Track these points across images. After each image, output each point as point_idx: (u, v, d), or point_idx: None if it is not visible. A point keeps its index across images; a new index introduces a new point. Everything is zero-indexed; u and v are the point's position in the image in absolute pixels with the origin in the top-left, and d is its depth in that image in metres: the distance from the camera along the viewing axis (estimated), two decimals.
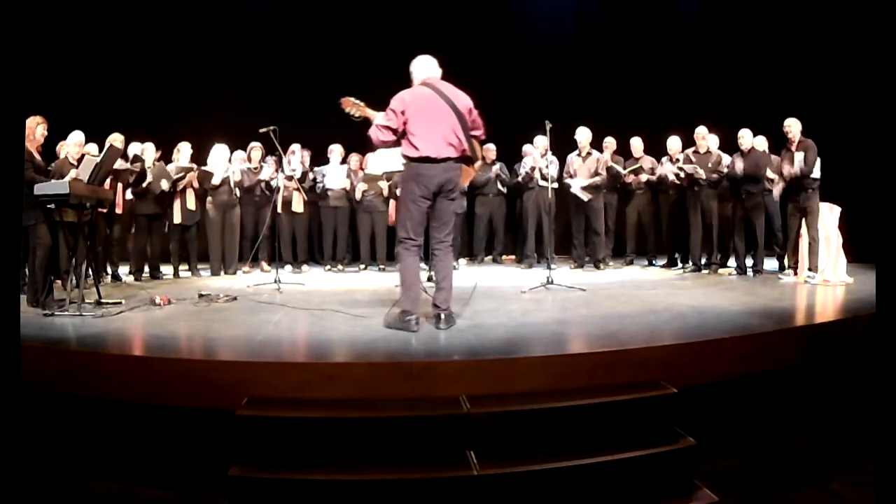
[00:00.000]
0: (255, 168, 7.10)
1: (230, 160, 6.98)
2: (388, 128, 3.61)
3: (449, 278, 3.76)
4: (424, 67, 3.80)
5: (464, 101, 3.72)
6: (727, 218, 6.54)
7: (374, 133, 3.65)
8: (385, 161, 6.62)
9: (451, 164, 3.63)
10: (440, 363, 3.00)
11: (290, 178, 6.98)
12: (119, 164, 5.67)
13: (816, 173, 5.88)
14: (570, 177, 7.22)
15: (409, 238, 3.69)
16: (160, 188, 6.32)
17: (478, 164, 3.97)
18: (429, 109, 3.61)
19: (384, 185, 7.24)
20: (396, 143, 3.73)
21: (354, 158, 7.43)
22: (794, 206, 6.01)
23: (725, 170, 6.39)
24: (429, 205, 3.68)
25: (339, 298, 5.01)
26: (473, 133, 3.82)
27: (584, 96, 8.93)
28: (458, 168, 3.71)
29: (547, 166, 6.55)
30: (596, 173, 7.17)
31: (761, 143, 6.48)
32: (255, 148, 7.12)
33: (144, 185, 6.24)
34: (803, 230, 5.91)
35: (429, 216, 3.76)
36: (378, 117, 3.70)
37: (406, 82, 3.85)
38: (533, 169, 7.23)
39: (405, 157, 3.70)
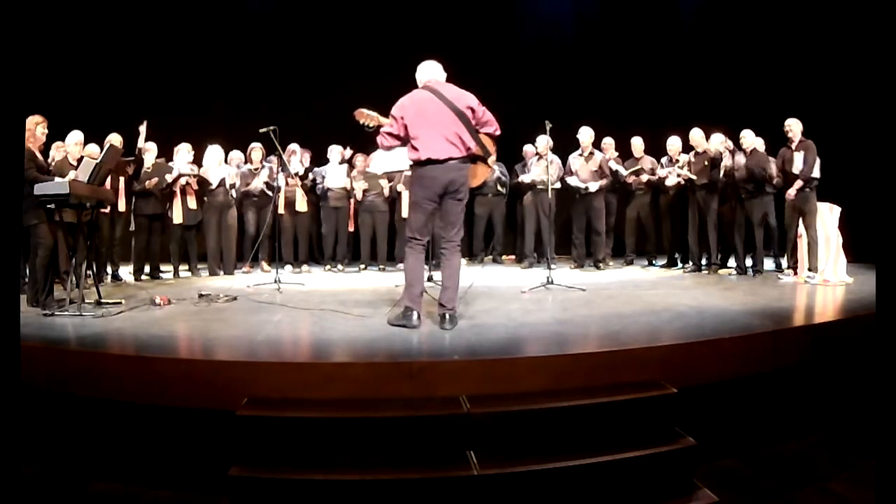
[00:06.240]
0: (256, 169, 7.10)
1: (227, 161, 6.99)
2: (391, 134, 3.71)
3: (454, 278, 3.76)
4: (427, 72, 3.83)
5: (465, 100, 3.72)
6: (727, 218, 6.54)
7: (380, 140, 3.79)
8: (386, 161, 6.62)
9: (454, 165, 3.64)
10: (440, 363, 3.00)
11: (294, 175, 6.98)
12: None
13: (815, 173, 5.89)
14: (571, 175, 7.22)
15: (414, 238, 3.75)
16: (164, 182, 6.35)
17: (491, 159, 3.95)
18: (428, 112, 3.63)
19: (385, 184, 7.24)
20: (403, 146, 3.78)
21: (360, 158, 7.43)
22: (792, 206, 6.03)
23: (723, 169, 6.40)
24: (434, 207, 3.71)
25: (339, 298, 5.01)
26: (484, 130, 3.81)
27: (584, 96, 8.92)
28: (465, 168, 3.71)
29: (551, 162, 6.53)
30: (602, 174, 7.17)
31: (759, 143, 6.50)
32: (256, 148, 7.11)
33: (147, 184, 6.25)
34: (802, 230, 5.91)
35: (436, 216, 3.80)
36: (387, 124, 3.77)
37: (407, 82, 3.86)
38: (531, 181, 7.29)
39: (410, 160, 3.74)
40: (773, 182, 6.13)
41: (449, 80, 3.86)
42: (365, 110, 3.90)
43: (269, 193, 6.92)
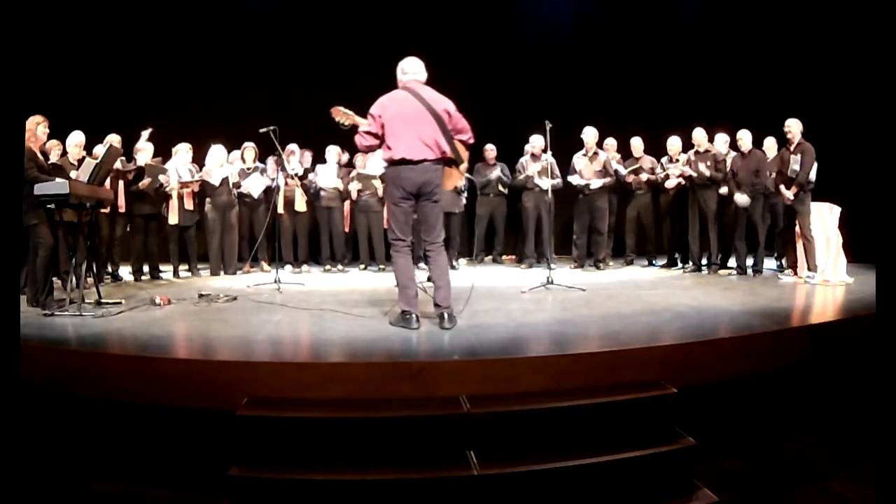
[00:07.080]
0: (249, 169, 7.11)
1: (229, 160, 6.99)
2: (369, 133, 3.73)
3: (445, 277, 3.79)
4: (408, 70, 3.82)
5: (442, 104, 3.74)
6: (727, 218, 6.54)
7: (358, 139, 3.80)
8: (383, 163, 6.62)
9: (428, 166, 3.66)
10: (440, 363, 3.00)
11: (292, 177, 6.98)
12: (118, 163, 5.71)
13: (811, 175, 5.90)
14: (574, 174, 7.22)
15: (398, 239, 3.77)
16: (157, 182, 6.35)
17: (463, 166, 3.98)
18: (405, 113, 3.65)
19: (378, 185, 7.23)
20: (380, 146, 3.79)
21: (360, 159, 7.42)
22: (787, 206, 6.04)
23: (727, 167, 6.39)
24: (411, 205, 3.74)
25: (338, 298, 5.01)
26: (459, 137, 3.85)
27: (584, 96, 8.92)
28: (438, 170, 3.74)
29: (548, 169, 6.53)
30: (606, 173, 7.17)
31: (770, 144, 6.52)
32: (248, 148, 7.11)
33: (141, 185, 6.25)
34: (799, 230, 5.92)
35: (417, 219, 3.81)
36: (363, 124, 3.77)
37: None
38: (528, 178, 7.28)
39: (384, 160, 3.77)
40: (770, 183, 6.13)
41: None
42: (342, 108, 3.90)
43: (255, 197, 6.95)
